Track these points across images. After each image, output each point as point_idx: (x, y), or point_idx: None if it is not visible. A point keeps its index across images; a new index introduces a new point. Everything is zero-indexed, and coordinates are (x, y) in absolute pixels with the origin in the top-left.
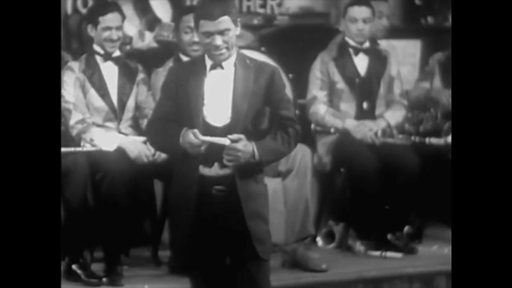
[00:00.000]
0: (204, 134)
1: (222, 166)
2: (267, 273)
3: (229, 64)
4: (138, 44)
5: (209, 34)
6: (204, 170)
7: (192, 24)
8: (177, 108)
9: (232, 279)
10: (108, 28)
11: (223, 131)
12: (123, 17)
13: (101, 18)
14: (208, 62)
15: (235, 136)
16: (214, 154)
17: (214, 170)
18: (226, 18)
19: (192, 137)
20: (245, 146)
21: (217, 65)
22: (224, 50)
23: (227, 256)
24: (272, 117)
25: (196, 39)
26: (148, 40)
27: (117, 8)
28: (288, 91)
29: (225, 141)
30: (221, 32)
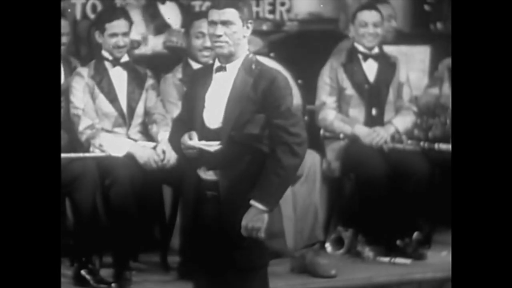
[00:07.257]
0: (201, 136)
1: (208, 169)
2: (251, 281)
3: (233, 67)
4: (141, 49)
5: (213, 24)
6: (200, 173)
7: (204, 29)
8: (186, 111)
9: (228, 285)
10: (115, 35)
11: (216, 134)
12: (131, 23)
13: (107, 25)
14: (216, 66)
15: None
16: (205, 156)
17: (202, 174)
18: (232, 11)
19: (186, 138)
20: (255, 215)
21: (221, 68)
22: (223, 44)
23: (221, 261)
24: (265, 125)
25: (207, 44)
26: (151, 45)
27: (124, 15)
28: (297, 97)
29: (212, 147)
30: (224, 23)
